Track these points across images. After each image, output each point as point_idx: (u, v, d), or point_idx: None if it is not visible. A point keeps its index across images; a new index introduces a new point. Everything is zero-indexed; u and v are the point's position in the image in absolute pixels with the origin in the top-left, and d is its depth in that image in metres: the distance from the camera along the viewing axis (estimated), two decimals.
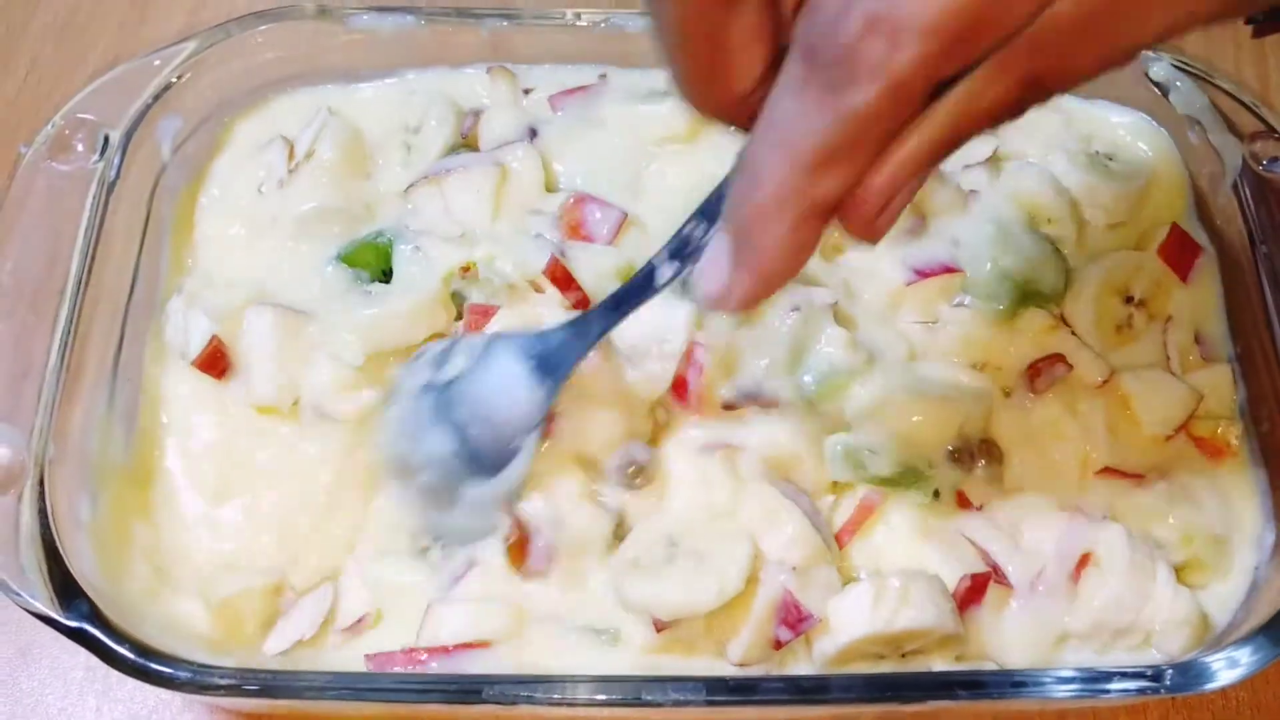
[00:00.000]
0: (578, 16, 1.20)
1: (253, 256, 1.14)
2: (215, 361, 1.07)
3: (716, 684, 0.88)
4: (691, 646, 0.95)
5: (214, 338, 1.06)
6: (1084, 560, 0.98)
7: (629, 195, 1.14)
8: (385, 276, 1.10)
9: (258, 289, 1.11)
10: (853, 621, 0.93)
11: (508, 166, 1.14)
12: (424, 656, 0.95)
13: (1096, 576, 0.97)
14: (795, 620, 0.93)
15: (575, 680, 0.88)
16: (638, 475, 1.00)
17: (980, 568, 0.98)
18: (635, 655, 0.95)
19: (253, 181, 1.17)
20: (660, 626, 0.93)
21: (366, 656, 0.96)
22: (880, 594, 0.92)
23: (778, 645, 0.94)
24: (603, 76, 1.22)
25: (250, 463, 1.05)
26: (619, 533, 0.99)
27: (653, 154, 1.16)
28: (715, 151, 1.16)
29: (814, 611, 0.93)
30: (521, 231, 1.11)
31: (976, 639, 0.97)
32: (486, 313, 1.05)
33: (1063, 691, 0.89)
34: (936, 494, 1.00)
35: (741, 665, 0.94)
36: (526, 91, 1.23)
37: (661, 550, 0.96)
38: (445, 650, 0.95)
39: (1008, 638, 0.98)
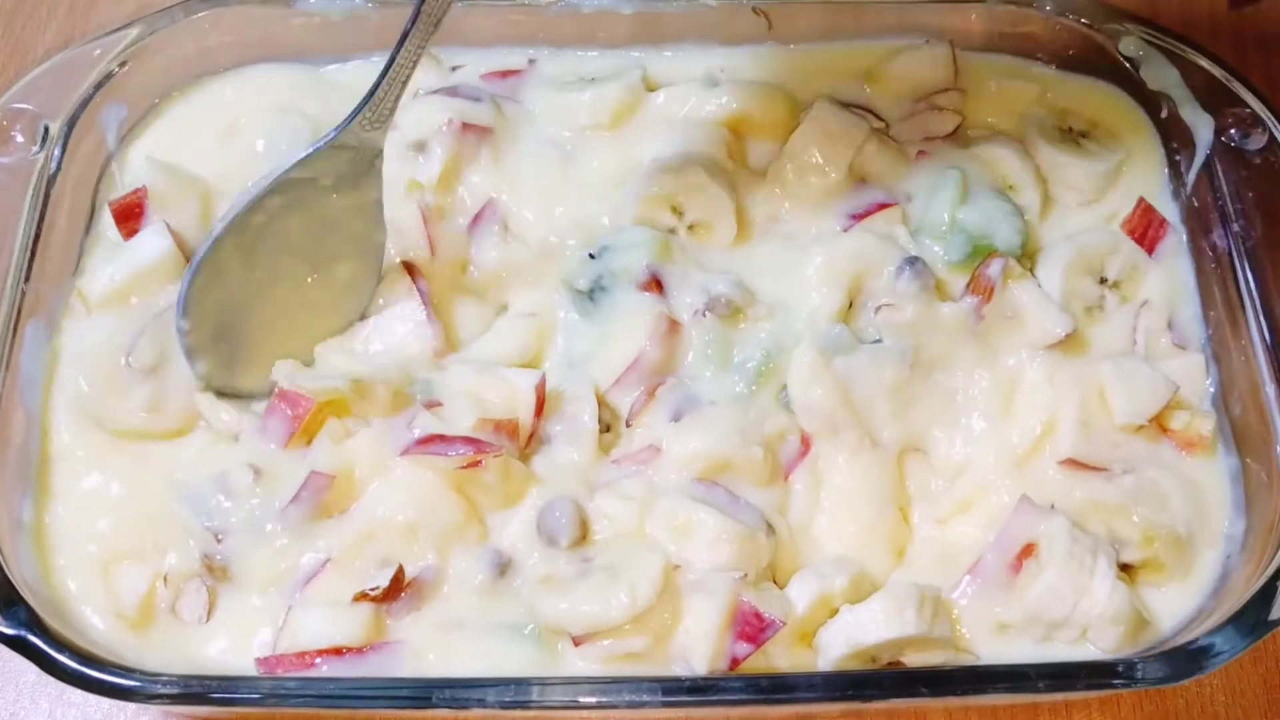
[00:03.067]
0: None
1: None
2: (131, 213, 1.09)
3: (673, 685, 0.87)
4: (637, 660, 0.92)
5: (143, 188, 1.09)
6: (1027, 550, 0.95)
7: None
8: None
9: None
10: (870, 626, 0.91)
11: None
12: (316, 660, 0.91)
13: (1035, 567, 0.95)
14: (756, 630, 0.90)
15: (528, 682, 0.86)
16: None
17: None
18: (568, 650, 0.93)
19: None
20: (579, 641, 0.91)
21: (258, 660, 0.93)
22: (902, 602, 0.91)
23: (734, 663, 0.91)
24: (531, 62, 1.19)
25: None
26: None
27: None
28: (637, 136, 1.14)
29: (775, 614, 0.91)
30: None
31: None
32: None
33: (1029, 687, 0.87)
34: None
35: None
36: (454, 69, 1.19)
37: (574, 567, 0.94)
38: (338, 652, 0.91)
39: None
